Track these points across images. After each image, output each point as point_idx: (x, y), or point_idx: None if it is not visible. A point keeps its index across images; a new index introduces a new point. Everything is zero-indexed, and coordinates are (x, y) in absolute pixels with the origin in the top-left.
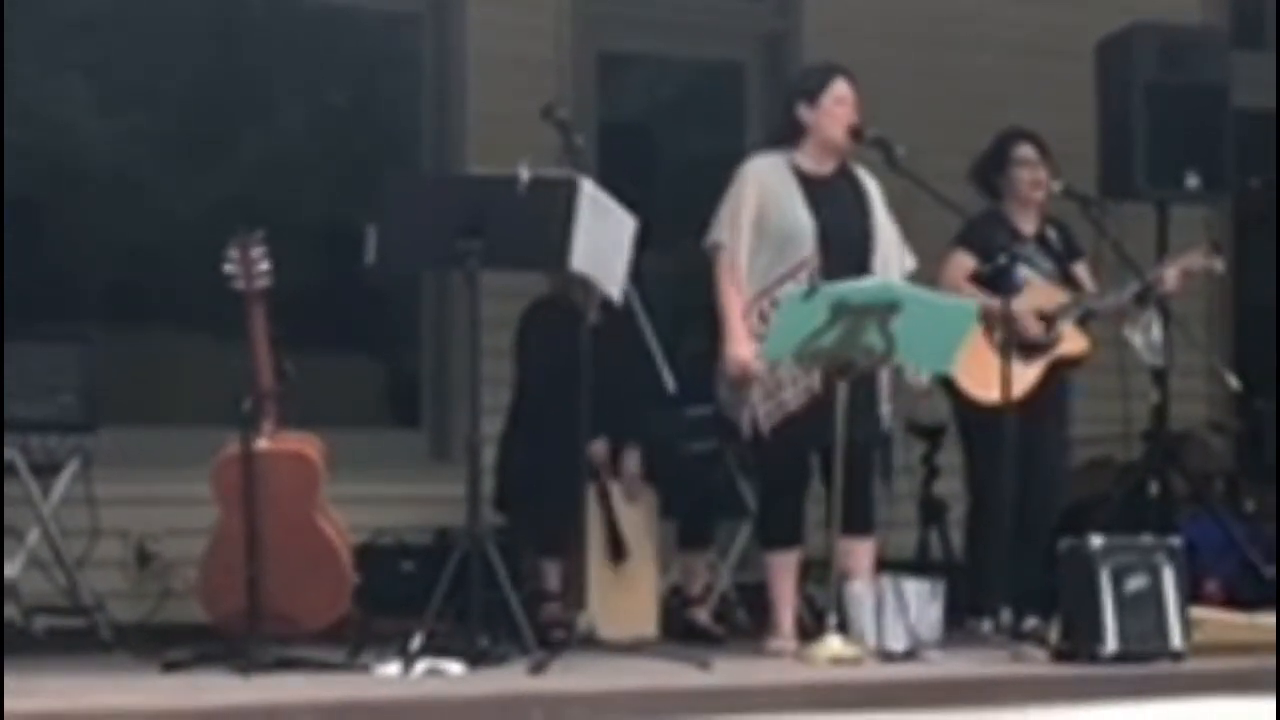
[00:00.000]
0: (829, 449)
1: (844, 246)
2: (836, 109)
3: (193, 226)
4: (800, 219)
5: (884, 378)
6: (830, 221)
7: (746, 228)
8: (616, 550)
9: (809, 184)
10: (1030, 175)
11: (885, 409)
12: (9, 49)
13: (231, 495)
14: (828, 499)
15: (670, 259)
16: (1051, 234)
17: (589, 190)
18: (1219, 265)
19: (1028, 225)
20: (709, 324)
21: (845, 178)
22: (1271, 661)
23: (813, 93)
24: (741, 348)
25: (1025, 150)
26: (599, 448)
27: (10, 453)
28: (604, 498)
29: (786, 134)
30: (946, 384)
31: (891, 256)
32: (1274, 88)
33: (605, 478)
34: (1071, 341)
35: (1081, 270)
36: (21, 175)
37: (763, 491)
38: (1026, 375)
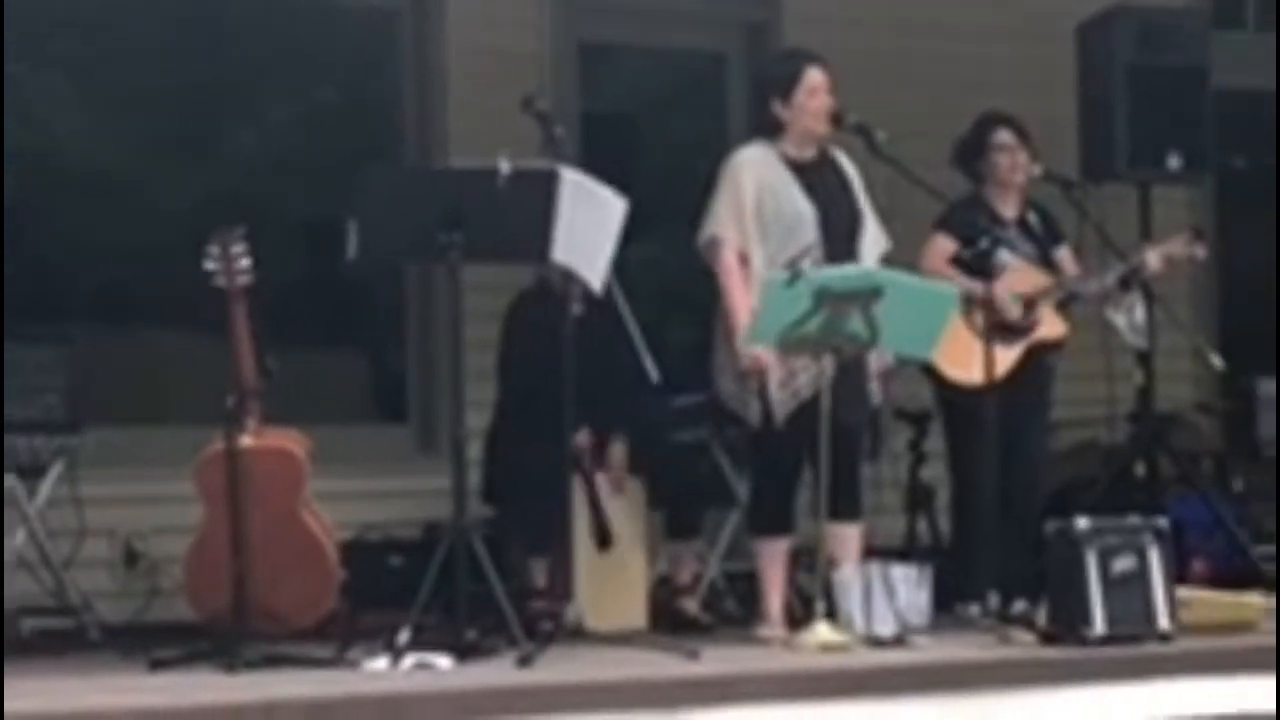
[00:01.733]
0: (818, 437)
1: (838, 230)
2: (810, 101)
3: (176, 225)
4: (800, 206)
5: (871, 360)
6: (825, 205)
7: (749, 219)
8: (603, 538)
9: (800, 171)
10: (1009, 159)
11: (872, 386)
12: None
13: (216, 493)
14: (816, 485)
15: (653, 248)
16: (1032, 218)
17: (571, 179)
18: (1201, 252)
19: (1008, 209)
20: (704, 316)
21: (827, 163)
22: (1261, 640)
23: (785, 88)
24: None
25: (1004, 135)
26: (582, 438)
27: None
28: (589, 486)
29: (766, 127)
30: (928, 369)
31: (874, 238)
32: (1255, 67)
33: (590, 468)
34: (1051, 325)
35: (1063, 254)
36: (7, 175)
37: (757, 480)
38: (1006, 358)
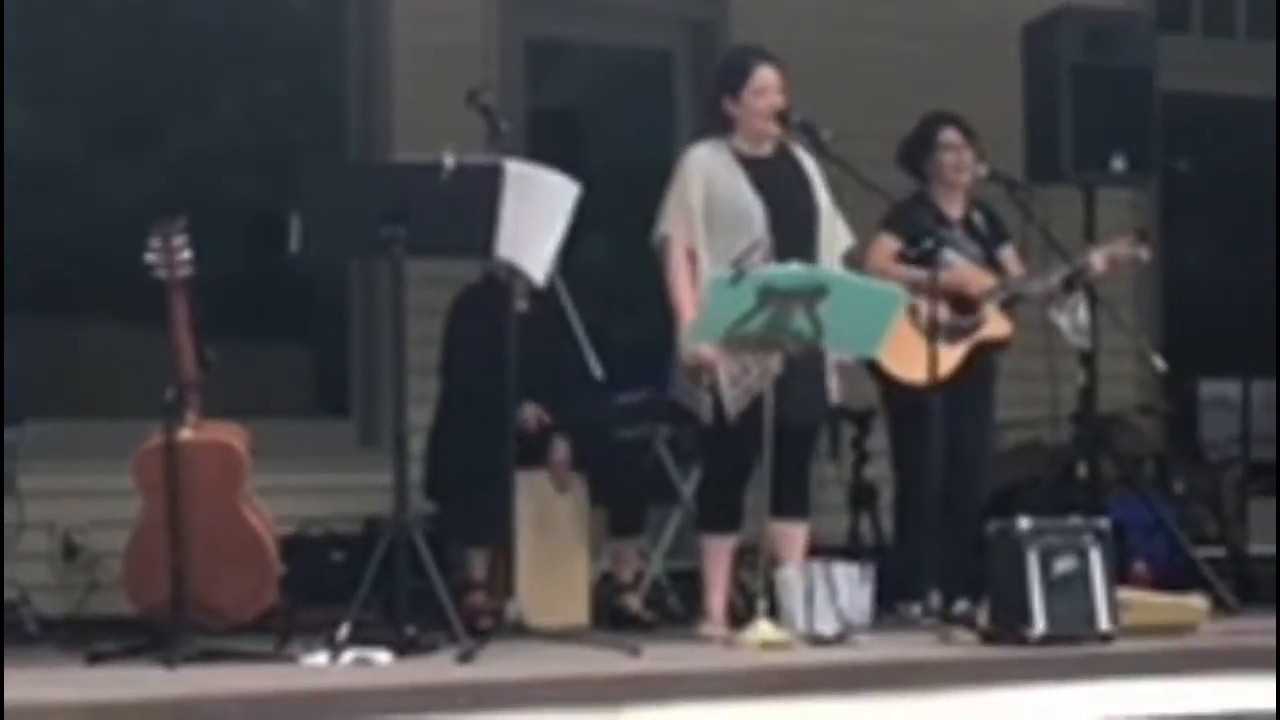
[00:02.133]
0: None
1: (791, 226)
2: (758, 101)
3: (117, 216)
4: (748, 201)
5: (830, 358)
6: (777, 201)
7: (697, 216)
8: None
9: (751, 166)
10: (954, 159)
11: (833, 383)
12: None
13: (154, 486)
14: (767, 483)
15: (599, 245)
16: (977, 218)
17: (515, 170)
18: (1145, 254)
19: (954, 209)
20: (648, 313)
21: (785, 158)
22: (1201, 642)
23: (734, 85)
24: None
25: (950, 134)
26: (529, 411)
27: None
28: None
29: (718, 124)
30: (871, 366)
31: (834, 233)
32: (1199, 70)
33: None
34: (995, 325)
35: (1008, 254)
36: None
37: (707, 476)
38: (950, 357)
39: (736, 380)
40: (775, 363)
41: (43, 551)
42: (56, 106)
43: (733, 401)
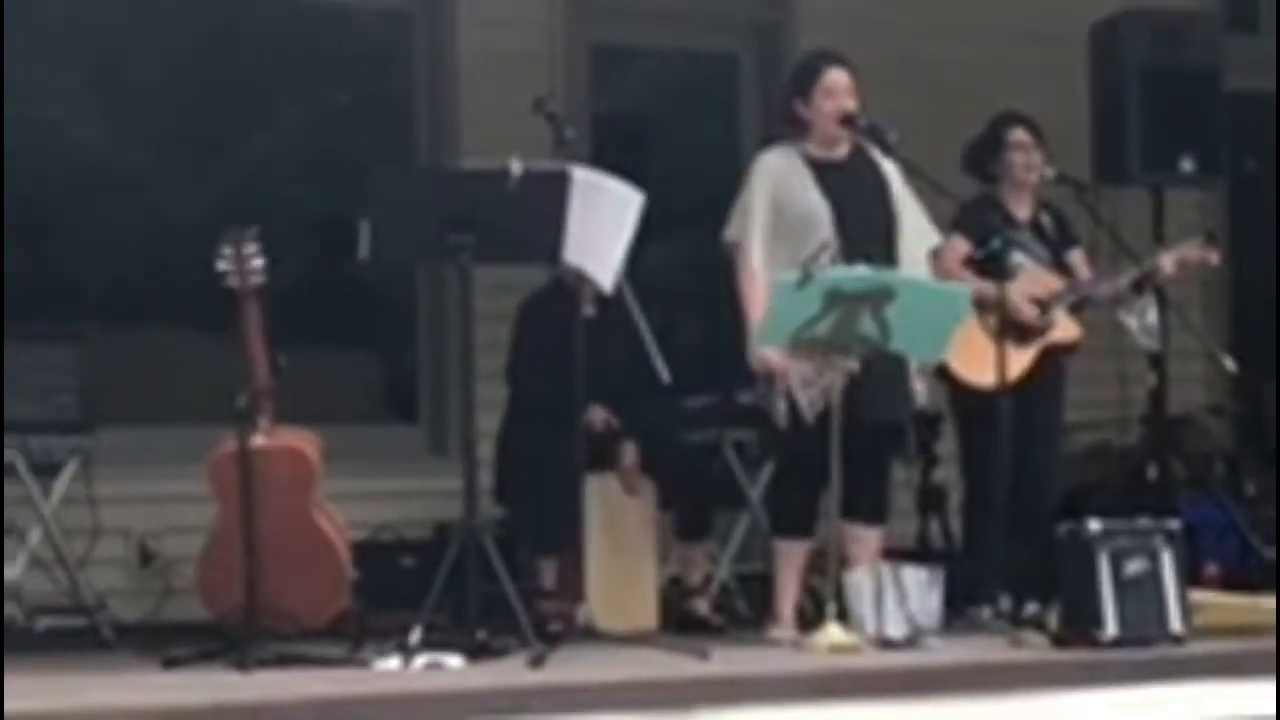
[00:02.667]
0: (846, 436)
1: (863, 229)
2: (826, 103)
3: (189, 225)
4: (813, 202)
5: (913, 361)
6: (846, 204)
7: (760, 221)
8: None
9: (821, 169)
10: (1024, 159)
11: (919, 386)
12: (10, 49)
13: (228, 492)
14: (838, 485)
15: (665, 250)
16: (1045, 220)
17: (582, 178)
18: (1214, 258)
19: (1022, 210)
20: (715, 317)
21: (861, 160)
22: (1272, 644)
23: (804, 88)
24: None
25: (1019, 134)
26: (597, 413)
27: (10, 454)
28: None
29: (790, 127)
30: (941, 370)
31: (919, 231)
32: (1268, 70)
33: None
34: (1064, 328)
35: (1076, 257)
36: (20, 175)
37: (782, 481)
38: (1020, 360)
39: (810, 381)
40: (848, 362)
41: (118, 558)
42: (131, 116)
43: (809, 405)
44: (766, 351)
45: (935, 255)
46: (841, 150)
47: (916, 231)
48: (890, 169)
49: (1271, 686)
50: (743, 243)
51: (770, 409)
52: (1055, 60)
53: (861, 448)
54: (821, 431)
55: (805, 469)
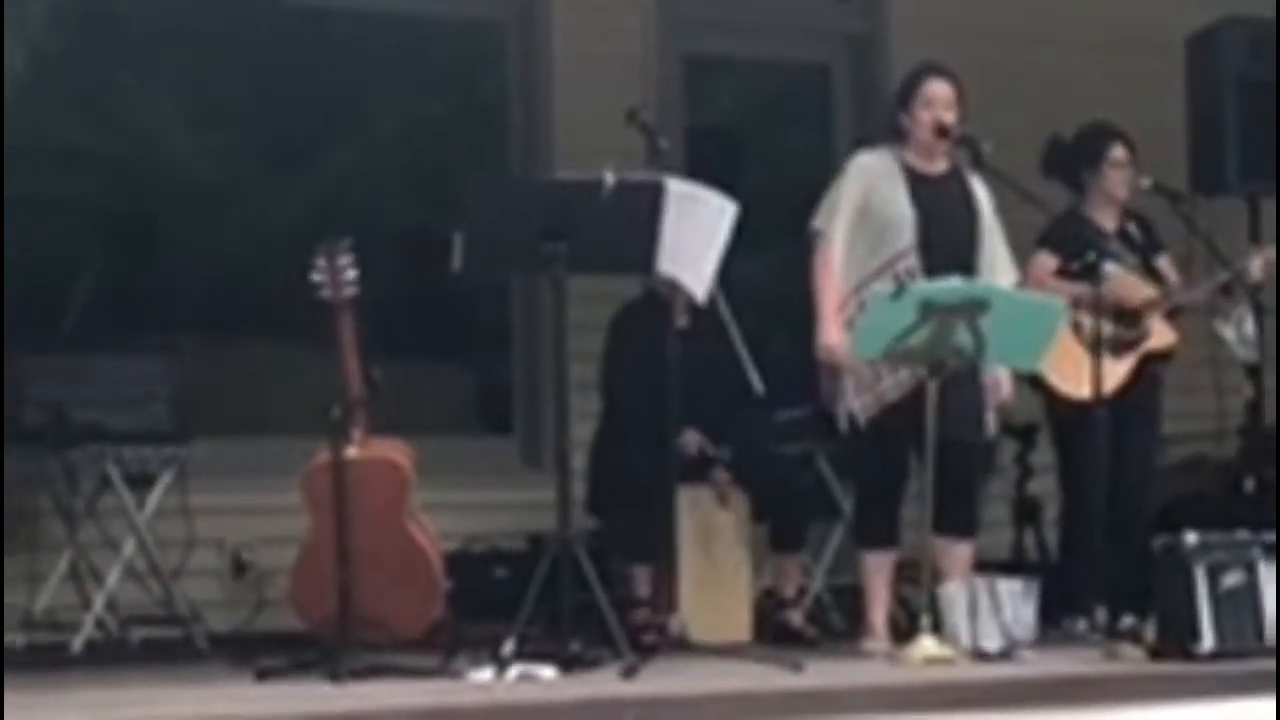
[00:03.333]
0: (925, 451)
1: (946, 246)
2: (923, 112)
3: (283, 236)
4: (900, 209)
5: (986, 380)
6: (933, 217)
7: (845, 216)
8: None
9: (915, 179)
10: (1121, 176)
11: (990, 416)
12: (104, 62)
13: (322, 503)
14: (928, 498)
15: (758, 262)
16: (1132, 228)
17: (676, 189)
18: None
19: (1109, 221)
20: (809, 329)
21: (955, 179)
22: None
23: (905, 96)
24: (830, 333)
25: (1119, 151)
26: (690, 437)
27: (105, 464)
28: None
29: (893, 136)
30: (1037, 382)
31: (995, 262)
32: None
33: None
34: (1160, 335)
35: (1164, 264)
36: (114, 188)
37: (859, 489)
38: (1117, 371)
39: (868, 385)
40: (906, 372)
41: (212, 568)
42: (224, 128)
43: (862, 409)
44: (829, 339)
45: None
46: (939, 165)
47: (995, 261)
48: (983, 195)
49: None
50: (826, 233)
51: (833, 407)
52: (1151, 69)
53: (942, 463)
54: (886, 440)
55: (877, 478)
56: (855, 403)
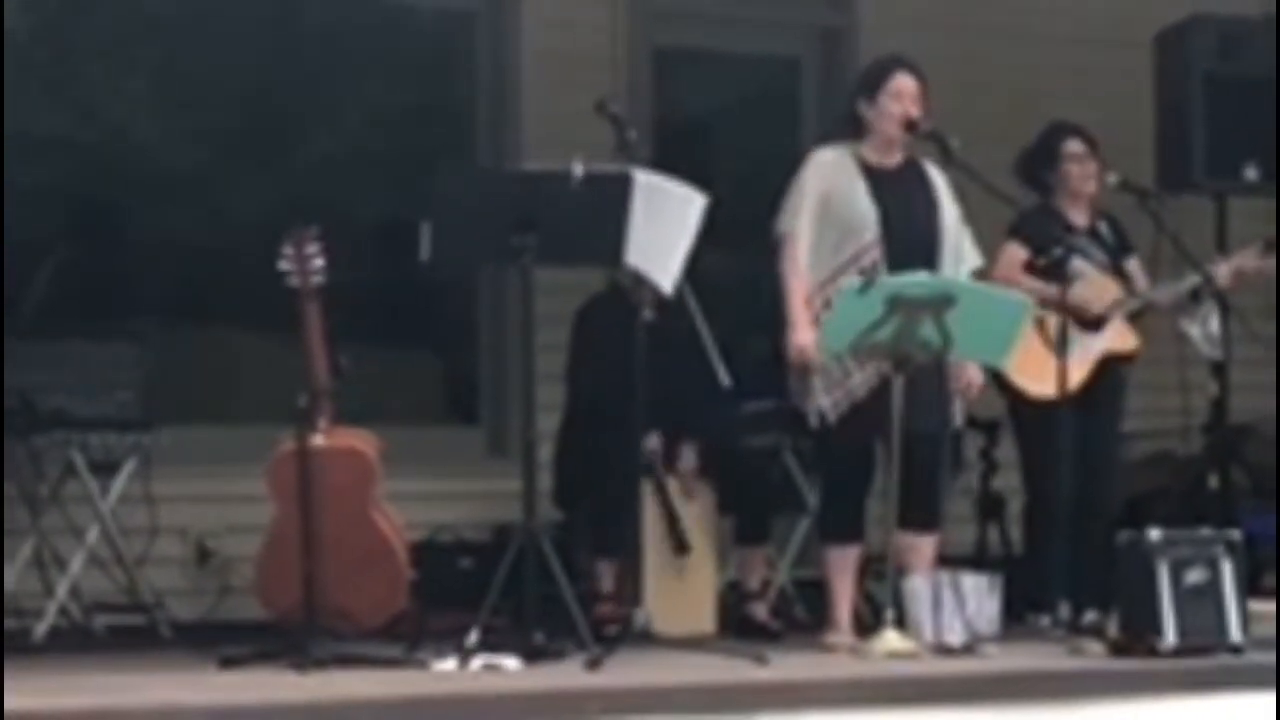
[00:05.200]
0: (889, 445)
1: (908, 238)
2: (891, 105)
3: (250, 225)
4: (861, 207)
5: (952, 371)
6: (893, 212)
7: (807, 215)
8: (679, 545)
9: (873, 175)
10: (1080, 169)
11: (956, 404)
12: (72, 47)
13: (287, 492)
14: (894, 493)
15: (726, 254)
16: (1103, 227)
17: (644, 181)
18: (1272, 265)
19: (1079, 218)
20: (776, 319)
21: (912, 170)
22: None
23: (871, 88)
24: (802, 333)
25: (1074, 145)
26: (653, 441)
27: (70, 451)
28: (661, 492)
29: (850, 128)
30: (999, 379)
31: (960, 250)
32: None
33: (661, 472)
34: (1123, 339)
35: (1134, 264)
36: (81, 174)
37: (825, 484)
38: (1078, 371)
39: (838, 383)
40: (873, 370)
41: (176, 556)
42: (192, 116)
43: (833, 406)
44: (801, 339)
45: (978, 277)
46: (895, 158)
47: (957, 251)
48: (941, 183)
49: None
50: (791, 234)
51: (804, 408)
52: (1119, 66)
53: (908, 457)
54: (853, 435)
55: (842, 472)
56: (825, 400)
